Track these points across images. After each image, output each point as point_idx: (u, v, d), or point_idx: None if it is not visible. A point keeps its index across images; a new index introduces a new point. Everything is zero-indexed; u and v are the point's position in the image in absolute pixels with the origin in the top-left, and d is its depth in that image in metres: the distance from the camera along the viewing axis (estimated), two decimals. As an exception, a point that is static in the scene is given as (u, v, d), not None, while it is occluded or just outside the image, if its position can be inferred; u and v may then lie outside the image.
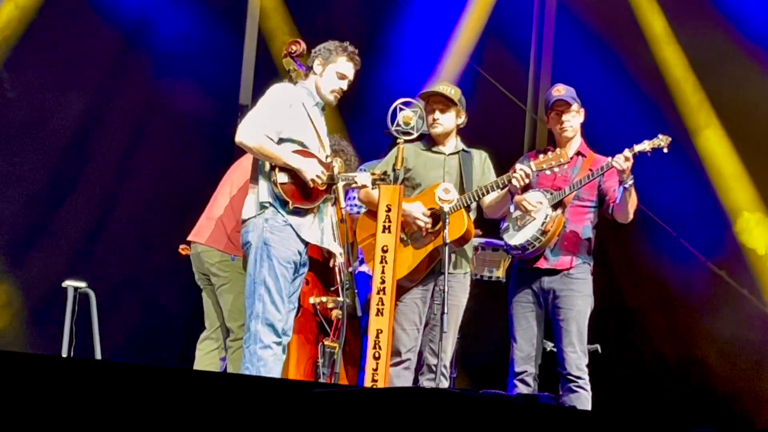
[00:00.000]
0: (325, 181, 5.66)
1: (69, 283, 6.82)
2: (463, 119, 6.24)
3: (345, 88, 5.87)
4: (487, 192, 6.05)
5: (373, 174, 5.90)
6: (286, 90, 5.81)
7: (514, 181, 6.00)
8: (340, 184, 5.67)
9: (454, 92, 6.17)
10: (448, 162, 6.19)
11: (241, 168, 6.22)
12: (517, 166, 6.06)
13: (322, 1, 8.71)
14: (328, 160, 5.75)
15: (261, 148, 5.60)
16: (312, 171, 5.62)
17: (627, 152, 6.10)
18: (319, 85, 5.85)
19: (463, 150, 6.24)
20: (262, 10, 8.50)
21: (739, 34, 8.29)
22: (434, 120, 6.13)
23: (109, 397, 3.73)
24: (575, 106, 6.37)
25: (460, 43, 9.03)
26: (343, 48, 5.85)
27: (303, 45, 6.23)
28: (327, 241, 5.83)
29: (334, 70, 5.83)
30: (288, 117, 5.69)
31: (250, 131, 5.62)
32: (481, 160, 6.27)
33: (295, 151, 5.67)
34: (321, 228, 5.76)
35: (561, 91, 6.39)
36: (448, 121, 6.16)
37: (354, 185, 5.86)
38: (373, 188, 5.92)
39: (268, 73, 8.05)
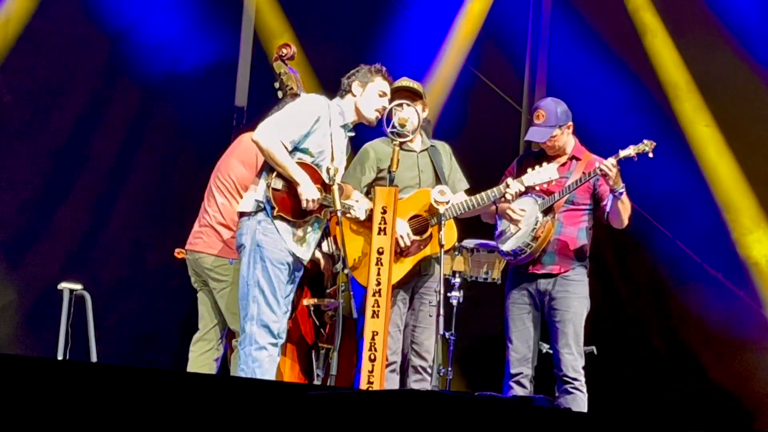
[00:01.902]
0: (319, 204, 5.67)
1: (65, 286, 6.82)
2: (426, 112, 6.26)
3: (386, 105, 5.91)
4: (478, 204, 6.08)
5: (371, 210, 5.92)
6: (318, 102, 5.83)
7: (508, 196, 6.04)
8: (336, 188, 5.68)
9: (417, 86, 6.20)
10: (421, 160, 6.21)
11: (221, 174, 6.22)
12: (509, 181, 6.08)
13: (318, 3, 8.70)
14: (334, 180, 5.73)
15: (272, 152, 5.63)
16: (309, 193, 5.63)
17: (612, 159, 6.13)
18: (359, 105, 5.88)
19: (431, 145, 6.26)
20: (257, 12, 8.49)
21: (736, 37, 8.30)
22: None
23: (104, 400, 3.73)
24: (555, 132, 6.35)
25: (456, 44, 9.03)
26: (377, 69, 5.92)
27: (293, 48, 6.24)
28: (311, 252, 5.85)
29: (375, 89, 5.88)
30: (311, 129, 5.72)
31: (267, 133, 5.65)
32: (446, 153, 6.31)
33: (301, 164, 5.68)
34: (309, 244, 5.77)
35: (540, 118, 6.35)
36: (418, 117, 6.15)
37: (348, 215, 5.86)
38: (365, 221, 5.94)
39: (264, 75, 8.05)
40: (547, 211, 6.30)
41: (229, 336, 6.25)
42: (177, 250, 6.41)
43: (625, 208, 6.25)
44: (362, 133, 6.19)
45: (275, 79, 6.27)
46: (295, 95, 6.18)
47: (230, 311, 6.10)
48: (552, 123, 6.33)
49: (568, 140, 6.41)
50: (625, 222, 6.31)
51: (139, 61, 7.97)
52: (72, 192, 7.83)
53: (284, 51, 6.28)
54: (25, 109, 7.71)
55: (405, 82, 6.19)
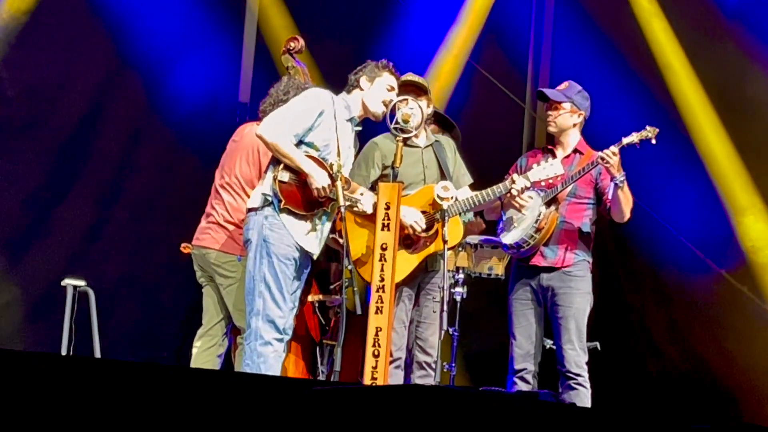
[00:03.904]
0: (327, 195, 5.67)
1: (68, 282, 6.83)
2: (432, 108, 6.26)
3: (394, 99, 5.92)
4: (484, 201, 6.07)
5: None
6: (322, 96, 5.83)
7: (513, 192, 6.02)
8: (339, 184, 5.67)
9: (422, 81, 6.20)
10: (425, 155, 6.20)
11: (227, 172, 6.22)
12: (515, 177, 6.08)
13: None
14: (338, 174, 5.73)
15: (277, 145, 5.64)
16: (320, 180, 5.64)
17: (613, 147, 6.14)
18: (366, 99, 5.89)
19: (435, 140, 6.26)
20: (260, 7, 8.49)
21: (738, 29, 8.30)
22: None
23: (108, 396, 3.73)
24: (567, 105, 6.36)
25: (459, 40, 9.02)
26: (384, 65, 5.95)
27: (301, 42, 6.23)
28: (320, 246, 5.85)
29: (383, 83, 5.90)
30: (314, 123, 5.72)
31: (271, 128, 5.67)
32: (451, 148, 6.31)
33: (308, 156, 5.68)
34: (318, 237, 5.77)
35: (561, 87, 6.42)
36: (423, 111, 6.14)
37: (355, 209, 5.86)
38: (370, 217, 5.93)
39: (267, 70, 8.05)
40: (550, 202, 6.30)
41: (234, 332, 6.25)
42: (183, 244, 6.42)
43: (626, 198, 6.23)
44: (369, 128, 6.19)
45: (284, 72, 6.26)
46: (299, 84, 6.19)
47: (237, 308, 6.10)
48: (569, 95, 6.36)
49: (572, 130, 6.41)
50: (627, 214, 6.30)
51: (142, 57, 7.97)
52: (75, 188, 7.83)
53: (292, 44, 6.28)
54: (28, 103, 7.70)
55: (410, 77, 6.18)
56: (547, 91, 6.42)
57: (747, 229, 8.24)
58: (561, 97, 6.36)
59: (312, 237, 5.75)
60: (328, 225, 5.82)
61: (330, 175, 5.69)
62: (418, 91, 6.13)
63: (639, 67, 8.69)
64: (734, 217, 8.30)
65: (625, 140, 6.19)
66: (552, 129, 6.42)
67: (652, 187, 8.03)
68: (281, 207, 5.67)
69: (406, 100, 5.94)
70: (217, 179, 6.28)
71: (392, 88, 5.93)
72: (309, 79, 6.37)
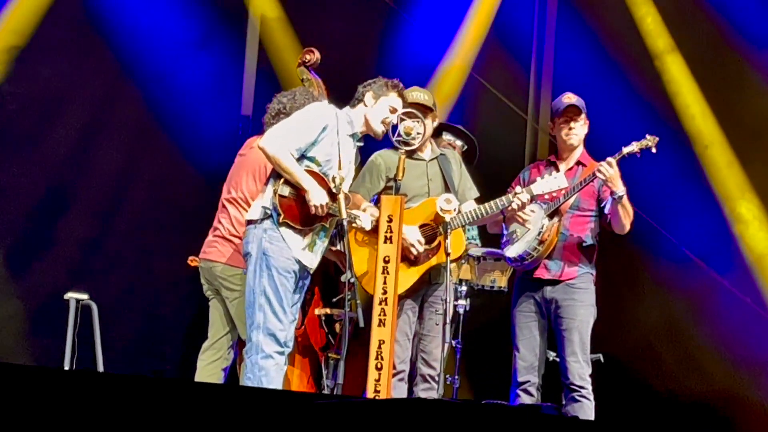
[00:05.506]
0: (326, 212, 5.68)
1: (71, 295, 6.82)
2: (437, 121, 6.26)
3: (394, 121, 5.91)
4: (487, 213, 6.08)
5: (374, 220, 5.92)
6: (325, 110, 5.84)
7: (514, 205, 6.03)
8: (342, 196, 5.68)
9: (428, 98, 6.19)
10: (430, 168, 6.21)
11: (234, 186, 6.22)
12: (518, 190, 6.08)
13: (323, 12, 8.71)
14: (339, 188, 5.73)
15: (279, 160, 5.64)
16: (318, 199, 5.64)
17: (610, 158, 6.14)
18: (369, 116, 5.89)
19: (440, 154, 6.26)
20: (263, 20, 8.50)
21: (739, 36, 8.32)
22: None
23: (111, 410, 3.73)
24: (583, 116, 6.39)
25: (461, 52, 9.03)
26: (394, 84, 5.94)
27: (317, 54, 6.24)
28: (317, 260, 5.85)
29: (387, 103, 5.90)
30: (317, 138, 5.72)
31: (274, 141, 5.67)
32: (456, 162, 6.31)
33: (308, 172, 5.69)
34: (316, 251, 5.78)
35: (572, 98, 6.41)
36: (427, 128, 6.16)
37: (354, 225, 5.86)
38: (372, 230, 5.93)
39: (270, 83, 8.06)
40: (552, 215, 6.30)
41: (240, 345, 6.25)
42: (190, 258, 6.42)
43: (626, 212, 6.23)
44: (371, 142, 6.19)
45: (287, 85, 6.26)
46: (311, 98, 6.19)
47: (242, 321, 6.10)
48: (582, 104, 6.38)
49: (582, 141, 6.44)
50: (627, 227, 6.30)
51: (144, 71, 7.98)
52: (77, 201, 7.83)
53: (308, 57, 6.30)
54: (29, 117, 7.71)
55: (416, 92, 6.18)
56: (576, 103, 6.40)
57: (749, 238, 8.25)
58: (582, 107, 6.40)
59: (309, 251, 5.75)
60: (326, 240, 5.82)
61: (330, 191, 5.69)
62: (424, 110, 6.12)
63: (641, 79, 8.69)
64: (736, 227, 8.30)
65: (626, 150, 6.20)
66: (575, 141, 6.41)
67: (653, 197, 8.03)
68: (280, 221, 5.67)
69: (409, 113, 5.94)
70: (224, 193, 6.28)
71: (394, 110, 5.91)
72: (324, 91, 6.37)
